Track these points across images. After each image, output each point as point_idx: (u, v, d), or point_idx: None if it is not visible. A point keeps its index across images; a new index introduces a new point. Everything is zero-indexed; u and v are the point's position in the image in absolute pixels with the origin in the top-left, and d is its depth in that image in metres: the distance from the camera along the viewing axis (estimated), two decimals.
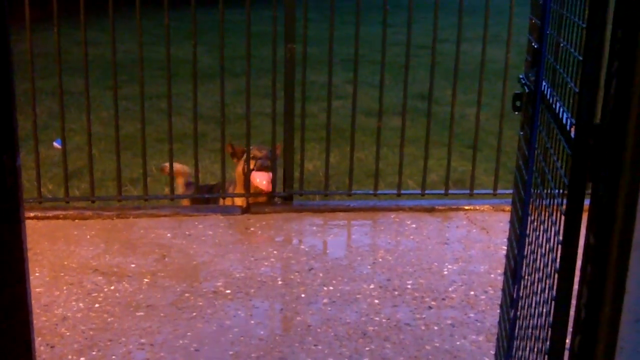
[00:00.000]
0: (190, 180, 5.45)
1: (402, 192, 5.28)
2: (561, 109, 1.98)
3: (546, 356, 1.89)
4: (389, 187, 5.95)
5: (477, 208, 5.11)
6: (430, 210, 5.09)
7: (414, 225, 4.85)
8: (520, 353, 2.35)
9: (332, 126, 5.28)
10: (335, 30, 5.05)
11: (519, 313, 2.47)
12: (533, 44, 2.56)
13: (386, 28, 4.99)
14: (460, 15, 4.95)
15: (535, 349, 2.05)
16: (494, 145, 5.40)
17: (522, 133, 2.67)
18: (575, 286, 1.75)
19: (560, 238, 1.83)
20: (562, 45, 2.04)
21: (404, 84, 5.11)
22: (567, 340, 1.80)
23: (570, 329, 1.75)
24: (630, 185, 1.61)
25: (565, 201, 1.80)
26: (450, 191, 5.35)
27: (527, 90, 2.57)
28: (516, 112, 2.68)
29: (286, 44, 4.94)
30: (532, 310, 2.16)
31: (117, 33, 4.93)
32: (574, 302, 1.75)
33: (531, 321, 2.17)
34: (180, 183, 5.46)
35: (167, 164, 5.20)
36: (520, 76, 2.73)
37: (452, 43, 5.29)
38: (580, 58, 1.76)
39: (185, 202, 5.39)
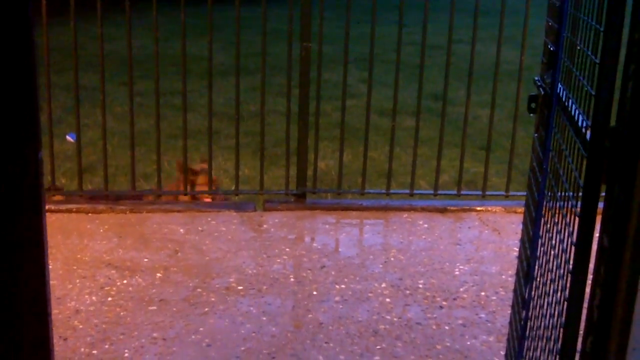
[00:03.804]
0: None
1: (415, 192, 5.29)
2: (577, 111, 1.99)
3: (557, 356, 1.90)
4: (401, 187, 5.96)
5: (489, 209, 5.12)
6: (443, 210, 5.10)
7: (426, 225, 4.87)
8: (531, 353, 2.37)
9: (345, 125, 5.29)
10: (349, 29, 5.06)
11: (530, 313, 2.49)
12: (549, 47, 2.57)
13: (402, 27, 5.00)
14: (475, 15, 4.95)
15: (547, 349, 2.07)
16: (506, 147, 5.41)
17: (536, 135, 2.68)
18: (587, 288, 1.77)
19: (574, 239, 1.84)
20: (578, 47, 2.05)
21: (419, 84, 5.12)
22: (579, 342, 1.81)
23: (582, 330, 1.77)
24: None
25: (579, 203, 1.81)
26: (462, 192, 5.35)
27: (542, 92, 2.58)
28: (531, 114, 2.69)
29: (301, 42, 4.95)
30: (544, 310, 2.17)
31: (131, 29, 4.96)
32: (586, 304, 1.77)
33: (543, 322, 2.18)
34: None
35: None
36: (536, 78, 2.75)
37: (465, 44, 5.31)
38: (597, 61, 1.77)
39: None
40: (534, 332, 2.35)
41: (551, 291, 2.09)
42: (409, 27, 5.32)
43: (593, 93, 1.78)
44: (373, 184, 6.11)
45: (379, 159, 6.96)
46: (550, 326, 2.05)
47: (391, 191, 5.30)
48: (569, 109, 2.11)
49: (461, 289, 4.03)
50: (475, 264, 4.34)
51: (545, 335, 2.12)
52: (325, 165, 6.87)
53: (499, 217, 5.02)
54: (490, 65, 5.17)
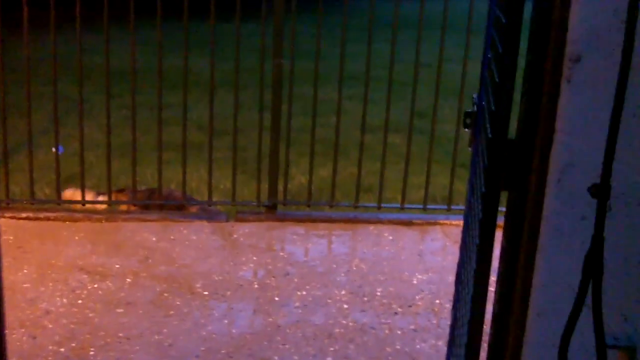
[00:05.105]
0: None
1: (382, 205, 5.46)
2: (488, 126, 2.18)
3: (465, 348, 2.08)
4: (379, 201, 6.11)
5: (454, 223, 5.29)
6: (409, 223, 5.27)
7: (390, 237, 5.04)
8: (455, 350, 2.55)
9: (328, 140, 5.46)
10: (338, 47, 5.27)
11: (458, 315, 2.67)
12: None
13: (371, 44, 5.19)
14: (443, 32, 5.14)
15: (461, 345, 2.25)
16: None
17: (469, 149, 2.86)
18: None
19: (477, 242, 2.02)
20: (492, 67, 2.24)
21: (387, 100, 5.32)
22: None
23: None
24: (536, 195, 1.81)
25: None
26: (428, 206, 5.52)
27: (475, 109, 2.77)
28: (466, 129, 2.88)
29: (274, 58, 5.15)
30: (462, 311, 2.35)
31: (121, 42, 5.15)
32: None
33: (462, 321, 2.36)
34: None
35: None
36: (474, 95, 2.93)
37: (455, 62, 5.45)
38: (497, 80, 1.96)
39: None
40: (458, 331, 2.53)
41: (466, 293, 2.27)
42: (398, 45, 5.49)
43: (493, 109, 1.96)
44: (352, 199, 6.26)
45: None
46: (462, 323, 2.23)
47: (359, 204, 5.46)
48: (485, 124, 2.29)
49: (417, 297, 4.20)
50: (433, 273, 4.51)
51: (461, 332, 2.30)
52: (305, 180, 7.03)
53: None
54: (469, 82, 5.31)
